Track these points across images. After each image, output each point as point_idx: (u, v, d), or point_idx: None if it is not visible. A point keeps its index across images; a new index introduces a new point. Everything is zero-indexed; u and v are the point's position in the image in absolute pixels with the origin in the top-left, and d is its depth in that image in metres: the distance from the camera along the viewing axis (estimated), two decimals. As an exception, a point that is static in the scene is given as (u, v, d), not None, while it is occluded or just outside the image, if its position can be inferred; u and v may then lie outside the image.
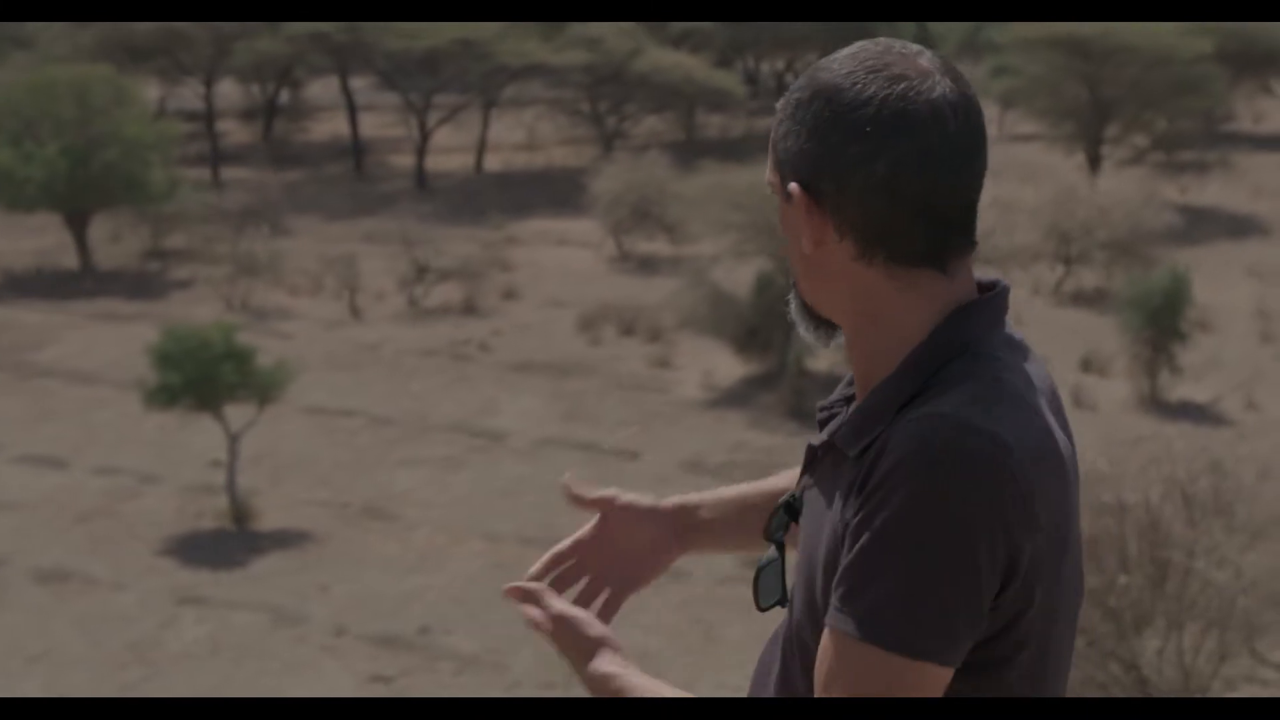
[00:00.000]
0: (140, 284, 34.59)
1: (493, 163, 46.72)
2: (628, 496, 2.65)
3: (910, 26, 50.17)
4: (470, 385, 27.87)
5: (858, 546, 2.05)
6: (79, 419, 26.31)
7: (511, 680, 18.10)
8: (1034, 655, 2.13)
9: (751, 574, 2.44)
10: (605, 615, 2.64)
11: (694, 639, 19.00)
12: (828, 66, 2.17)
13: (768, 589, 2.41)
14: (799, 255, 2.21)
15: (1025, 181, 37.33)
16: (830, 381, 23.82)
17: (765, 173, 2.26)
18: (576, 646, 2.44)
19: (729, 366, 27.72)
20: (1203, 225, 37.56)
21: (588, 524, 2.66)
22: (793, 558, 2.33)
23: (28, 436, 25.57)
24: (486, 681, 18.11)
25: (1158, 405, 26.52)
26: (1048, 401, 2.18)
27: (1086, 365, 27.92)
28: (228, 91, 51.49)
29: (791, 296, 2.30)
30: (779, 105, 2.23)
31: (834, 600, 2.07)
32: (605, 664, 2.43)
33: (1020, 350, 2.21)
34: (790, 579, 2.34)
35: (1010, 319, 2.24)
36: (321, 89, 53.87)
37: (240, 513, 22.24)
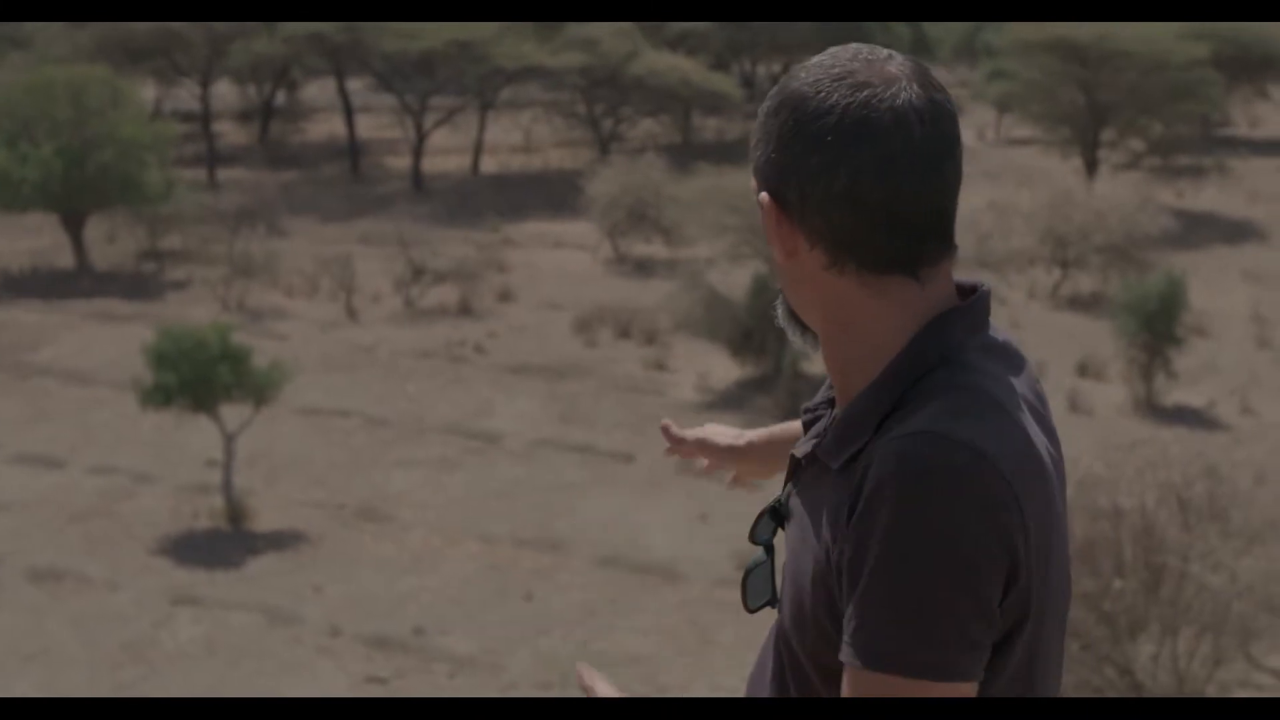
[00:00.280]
0: (136, 284, 34.58)
1: (489, 165, 46.73)
2: (714, 441, 2.97)
3: (906, 29, 50.23)
4: (466, 387, 27.87)
5: (860, 582, 2.04)
6: (75, 419, 26.31)
7: (507, 681, 18.10)
8: (1023, 660, 2.13)
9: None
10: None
11: (690, 641, 19.01)
12: (796, 75, 2.17)
13: (756, 591, 2.42)
14: (774, 264, 2.24)
15: (1022, 185, 37.40)
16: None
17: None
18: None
19: (724, 369, 27.73)
20: (1199, 230, 37.59)
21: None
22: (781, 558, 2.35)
23: (23, 436, 25.57)
24: (482, 682, 18.11)
25: (1153, 410, 26.53)
26: (1030, 407, 2.18)
27: (1082, 369, 27.93)
28: (224, 92, 51.49)
29: (779, 303, 2.31)
30: (758, 114, 2.24)
31: (847, 637, 2.06)
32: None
33: (1003, 355, 2.21)
34: (779, 580, 2.34)
35: (1003, 322, 2.25)
36: (318, 90, 53.88)
37: (236, 513, 22.24)
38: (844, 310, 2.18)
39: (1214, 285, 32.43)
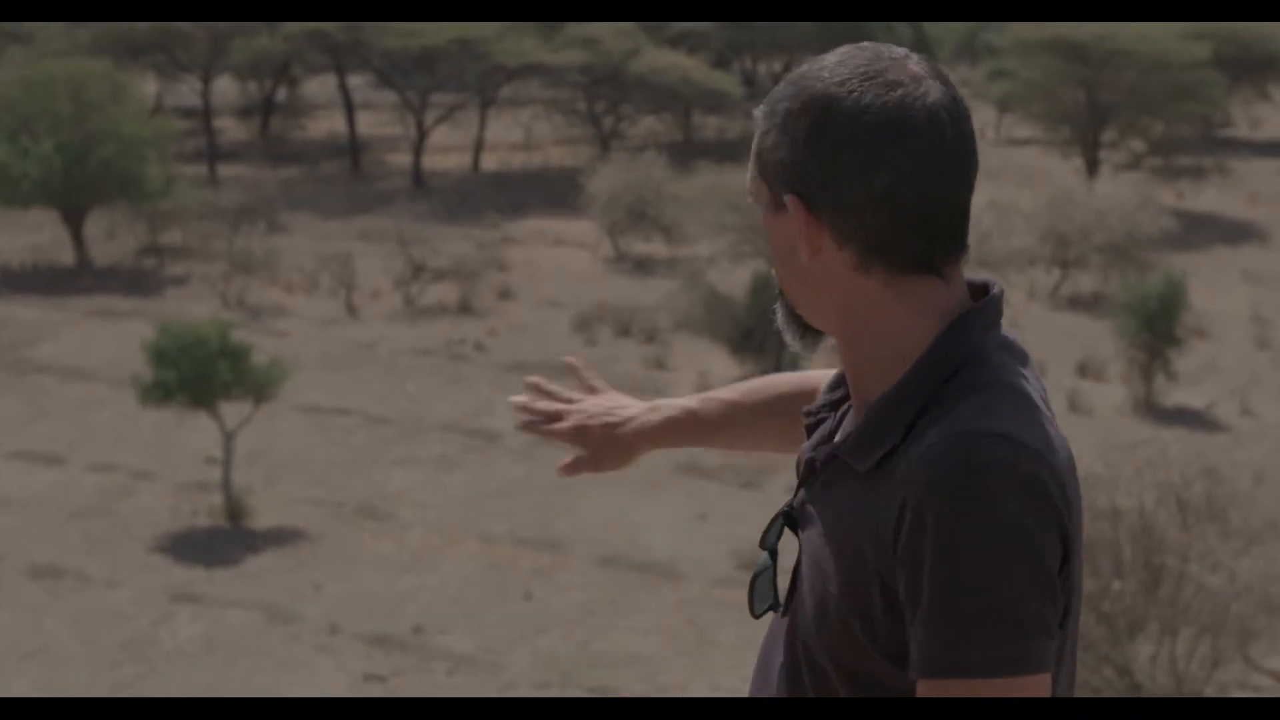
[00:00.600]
0: (136, 281, 34.58)
1: (489, 162, 46.72)
2: (613, 414, 2.78)
3: (907, 29, 50.21)
4: (465, 385, 27.87)
5: (928, 589, 2.03)
6: (74, 416, 26.30)
7: (506, 680, 18.10)
8: (1060, 650, 2.14)
9: (748, 578, 2.44)
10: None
11: (689, 641, 19.00)
12: (817, 75, 2.14)
13: (762, 595, 2.42)
14: (789, 264, 2.20)
15: (1022, 185, 37.40)
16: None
17: (747, 181, 2.25)
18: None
19: (724, 367, 27.72)
20: (1199, 230, 37.59)
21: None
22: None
23: (23, 433, 25.56)
24: (481, 681, 18.11)
25: (1153, 410, 26.53)
26: (1044, 403, 2.20)
27: (1082, 370, 27.93)
28: (225, 88, 51.47)
29: (779, 305, 2.29)
30: (761, 114, 2.19)
31: (925, 652, 2.04)
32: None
33: (1016, 354, 2.22)
34: (782, 585, 2.33)
35: (1004, 322, 2.25)
36: (319, 87, 53.86)
37: (235, 511, 22.24)
38: (866, 311, 2.16)
39: (1214, 286, 32.42)
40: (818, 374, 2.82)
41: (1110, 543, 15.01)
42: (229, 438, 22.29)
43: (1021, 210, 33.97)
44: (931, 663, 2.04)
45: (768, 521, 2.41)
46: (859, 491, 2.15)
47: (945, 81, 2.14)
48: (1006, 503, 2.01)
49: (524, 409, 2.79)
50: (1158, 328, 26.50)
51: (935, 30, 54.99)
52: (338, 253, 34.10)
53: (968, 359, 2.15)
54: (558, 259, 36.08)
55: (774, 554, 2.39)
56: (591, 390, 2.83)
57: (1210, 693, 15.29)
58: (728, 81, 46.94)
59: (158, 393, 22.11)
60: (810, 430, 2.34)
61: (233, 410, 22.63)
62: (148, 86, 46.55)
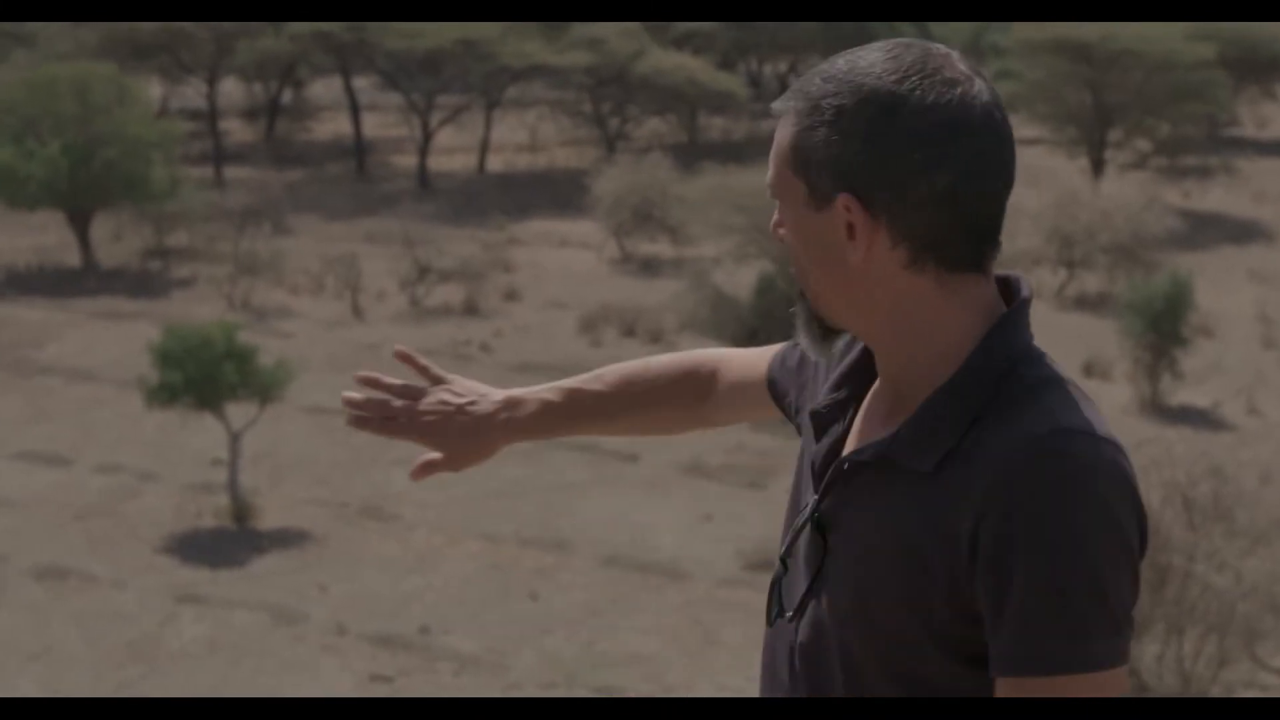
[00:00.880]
0: (142, 282, 34.59)
1: (495, 163, 46.72)
2: (468, 410, 2.72)
3: (911, 29, 50.20)
4: (471, 386, 27.84)
5: (1025, 590, 2.02)
6: (79, 417, 26.31)
7: (511, 680, 18.09)
8: None
9: (753, 578, 2.42)
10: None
11: (693, 641, 18.99)
12: (867, 71, 2.10)
13: (788, 603, 2.39)
14: (826, 263, 2.15)
15: (1028, 185, 37.27)
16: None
17: (767, 177, 2.19)
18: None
19: (730, 368, 27.72)
20: (1205, 230, 37.56)
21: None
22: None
23: (27, 434, 25.57)
24: (486, 682, 18.10)
25: (1159, 410, 26.51)
26: None
27: (1088, 369, 27.91)
28: (230, 90, 51.49)
29: (799, 306, 2.24)
30: (797, 110, 2.14)
31: (1019, 650, 2.03)
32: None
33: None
34: (794, 592, 2.29)
35: None
36: (324, 88, 53.86)
37: (240, 512, 22.24)
38: (916, 310, 2.14)
39: (1220, 286, 32.40)
40: (701, 354, 2.82)
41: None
42: (234, 439, 22.29)
43: (1027, 210, 33.91)
44: (1029, 661, 2.02)
45: (778, 524, 2.37)
46: (915, 492, 2.12)
47: (987, 80, 2.14)
48: (1109, 500, 2.02)
49: (352, 404, 2.68)
50: (1164, 327, 26.48)
51: (940, 30, 54.94)
52: (343, 254, 34.10)
53: (1021, 356, 2.16)
54: (563, 260, 36.08)
55: (784, 562, 2.35)
56: (437, 380, 2.75)
57: (1217, 692, 15.26)
58: (733, 82, 46.90)
59: (163, 395, 22.12)
60: (817, 431, 2.31)
61: (238, 412, 22.63)
62: (153, 89, 46.56)
